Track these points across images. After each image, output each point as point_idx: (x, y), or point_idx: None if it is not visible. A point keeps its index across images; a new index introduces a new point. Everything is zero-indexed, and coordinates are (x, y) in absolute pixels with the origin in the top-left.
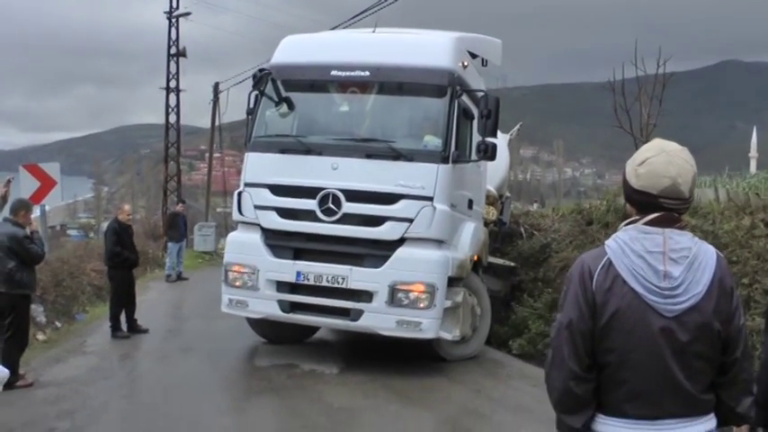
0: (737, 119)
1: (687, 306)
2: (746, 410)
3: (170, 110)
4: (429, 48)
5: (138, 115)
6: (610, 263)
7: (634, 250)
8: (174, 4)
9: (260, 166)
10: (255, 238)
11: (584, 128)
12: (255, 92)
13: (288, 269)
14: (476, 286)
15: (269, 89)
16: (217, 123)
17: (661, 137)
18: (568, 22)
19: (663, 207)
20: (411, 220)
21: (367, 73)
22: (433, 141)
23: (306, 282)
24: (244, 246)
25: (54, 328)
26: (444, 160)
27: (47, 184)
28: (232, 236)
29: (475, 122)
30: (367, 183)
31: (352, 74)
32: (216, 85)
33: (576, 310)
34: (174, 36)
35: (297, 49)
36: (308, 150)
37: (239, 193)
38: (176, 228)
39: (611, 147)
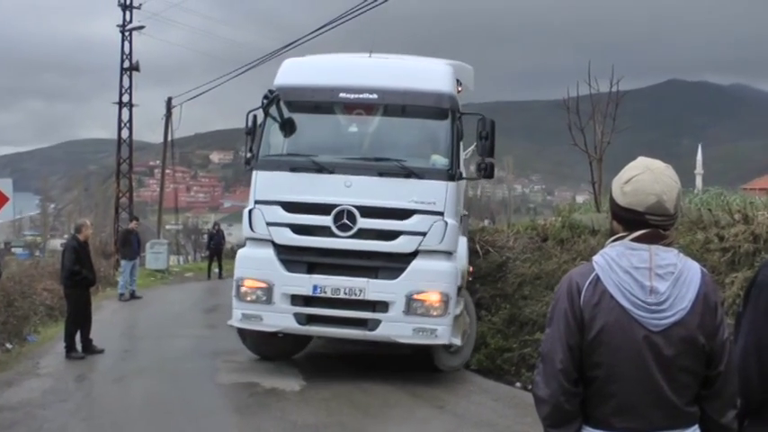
0: (683, 136)
1: (673, 321)
2: (730, 422)
3: (122, 125)
4: (432, 74)
5: (87, 130)
6: (597, 278)
7: (621, 266)
8: (128, 18)
9: (271, 185)
10: (268, 253)
11: (534, 145)
12: (253, 112)
13: (304, 283)
14: (465, 298)
15: (273, 110)
16: (169, 139)
17: (613, 154)
18: (517, 41)
19: (649, 223)
20: (424, 234)
21: (375, 96)
22: (440, 160)
23: (323, 295)
24: (256, 261)
25: (5, 350)
26: (451, 178)
27: None
28: (243, 252)
29: (462, 142)
30: (381, 199)
31: (360, 96)
32: (169, 100)
33: (565, 325)
34: (126, 50)
35: (302, 72)
36: (320, 169)
37: (250, 211)
38: (129, 245)
39: (561, 164)
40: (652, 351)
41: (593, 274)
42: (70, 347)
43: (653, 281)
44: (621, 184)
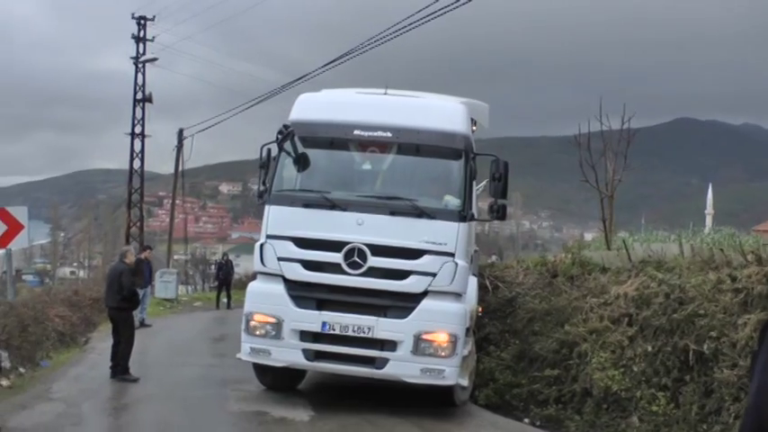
0: (693, 176)
1: None
2: None
3: (134, 155)
4: (447, 113)
5: (97, 161)
6: None
7: None
8: (141, 50)
9: (283, 220)
10: (278, 288)
11: (542, 181)
12: (267, 145)
13: (313, 319)
14: (470, 336)
15: (287, 145)
16: (180, 170)
17: (621, 192)
18: (522, 79)
19: None
20: (434, 275)
21: (389, 134)
22: (453, 201)
23: (332, 331)
24: (266, 296)
25: (18, 374)
26: (463, 219)
27: (13, 227)
28: (253, 285)
29: (475, 182)
30: (392, 238)
31: (375, 134)
32: (180, 132)
33: None
34: (140, 82)
35: (316, 107)
36: (333, 206)
37: (261, 245)
38: (141, 274)
39: (569, 200)
40: None
41: None
42: (126, 370)
43: None
44: None
